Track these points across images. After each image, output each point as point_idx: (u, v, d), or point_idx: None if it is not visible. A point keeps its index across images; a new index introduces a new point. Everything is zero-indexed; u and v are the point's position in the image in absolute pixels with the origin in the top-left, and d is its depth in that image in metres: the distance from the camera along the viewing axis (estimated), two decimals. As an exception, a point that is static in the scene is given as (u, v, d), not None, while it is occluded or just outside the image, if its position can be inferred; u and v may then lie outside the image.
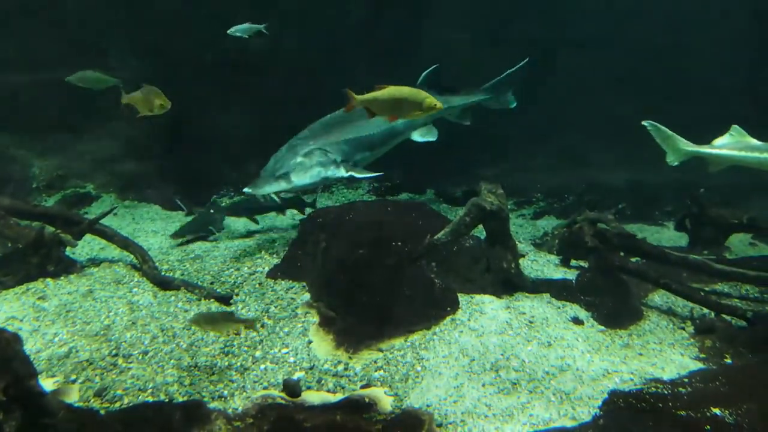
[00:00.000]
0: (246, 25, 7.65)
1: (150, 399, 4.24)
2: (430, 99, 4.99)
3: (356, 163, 6.94)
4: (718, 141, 6.11)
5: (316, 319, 5.36)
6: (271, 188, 6.41)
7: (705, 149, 6.17)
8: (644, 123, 6.41)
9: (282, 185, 6.40)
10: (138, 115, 5.98)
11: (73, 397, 4.20)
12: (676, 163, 6.40)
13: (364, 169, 7.02)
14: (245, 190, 6.40)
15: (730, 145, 6.02)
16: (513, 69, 8.62)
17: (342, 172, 6.65)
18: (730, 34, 10.90)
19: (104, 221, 6.68)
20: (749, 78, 11.02)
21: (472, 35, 11.22)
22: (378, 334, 5.04)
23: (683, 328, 5.51)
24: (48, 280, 6.03)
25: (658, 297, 6.12)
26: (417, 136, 7.78)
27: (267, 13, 10.08)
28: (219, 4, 9.36)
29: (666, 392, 4.05)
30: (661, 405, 3.88)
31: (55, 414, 3.47)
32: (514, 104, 8.93)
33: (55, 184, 9.58)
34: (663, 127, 6.34)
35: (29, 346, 4.75)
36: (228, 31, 7.58)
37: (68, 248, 6.38)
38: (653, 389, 4.13)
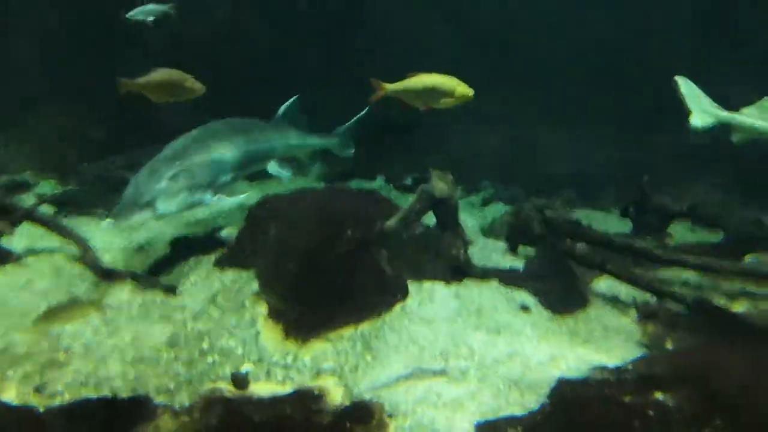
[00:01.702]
0: (149, 6, 6.82)
1: (93, 394, 4.12)
2: (461, 87, 4.84)
3: (220, 185, 6.41)
4: (747, 110, 5.79)
5: (264, 309, 5.28)
6: (135, 218, 5.76)
7: (736, 116, 5.80)
8: (676, 78, 5.96)
9: (147, 214, 5.77)
10: (154, 102, 5.53)
11: (10, 394, 4.06)
12: (700, 125, 5.92)
13: (228, 192, 6.48)
14: (107, 221, 5.73)
15: (761, 116, 5.69)
16: (357, 118, 8.00)
17: (209, 197, 6.16)
18: (687, 25, 11.07)
19: (43, 209, 6.44)
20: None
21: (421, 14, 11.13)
22: (328, 324, 5.01)
23: (627, 315, 5.64)
24: (-17, 271, 5.80)
25: (603, 283, 6.24)
26: (272, 167, 7.31)
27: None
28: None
29: (611, 378, 4.14)
30: (606, 391, 3.96)
31: (-10, 413, 3.34)
32: (353, 152, 8.56)
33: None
34: (694, 86, 5.92)
35: (-38, 342, 4.57)
36: (127, 15, 6.77)
37: (3, 237, 6.14)
38: (599, 376, 4.21)
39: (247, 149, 6.68)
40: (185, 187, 5.88)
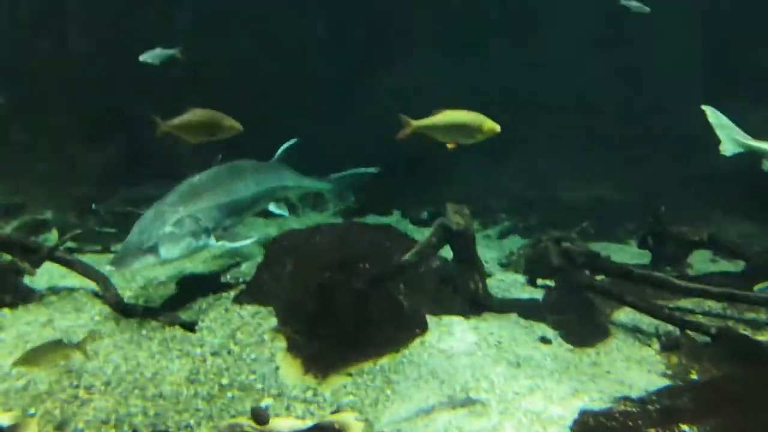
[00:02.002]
0: (157, 51, 7.21)
1: (113, 431, 4.11)
2: (489, 122, 4.83)
3: (226, 228, 6.33)
4: None
5: (283, 344, 5.28)
6: (138, 263, 5.58)
7: (763, 145, 5.75)
8: (703, 107, 5.90)
9: (150, 260, 5.61)
10: (192, 143, 5.55)
11: (32, 431, 4.06)
12: (729, 154, 5.87)
13: (232, 236, 6.33)
14: (107, 268, 5.69)
15: None
16: (358, 171, 8.19)
17: (213, 242, 6.05)
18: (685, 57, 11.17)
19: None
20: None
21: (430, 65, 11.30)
22: (347, 358, 4.98)
23: (649, 345, 5.57)
24: (5, 310, 5.82)
25: (624, 315, 6.18)
26: (272, 206, 7.35)
27: (225, 29, 10.12)
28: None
29: (635, 410, 4.08)
30: (630, 423, 3.91)
31: (13, 450, 3.35)
32: (352, 200, 8.70)
33: (12, 211, 9.34)
34: (721, 114, 5.89)
35: (-15, 379, 4.60)
36: (140, 58, 7.23)
37: (27, 277, 6.20)
38: (622, 407, 4.16)
39: (250, 193, 6.70)
40: (189, 232, 5.80)
